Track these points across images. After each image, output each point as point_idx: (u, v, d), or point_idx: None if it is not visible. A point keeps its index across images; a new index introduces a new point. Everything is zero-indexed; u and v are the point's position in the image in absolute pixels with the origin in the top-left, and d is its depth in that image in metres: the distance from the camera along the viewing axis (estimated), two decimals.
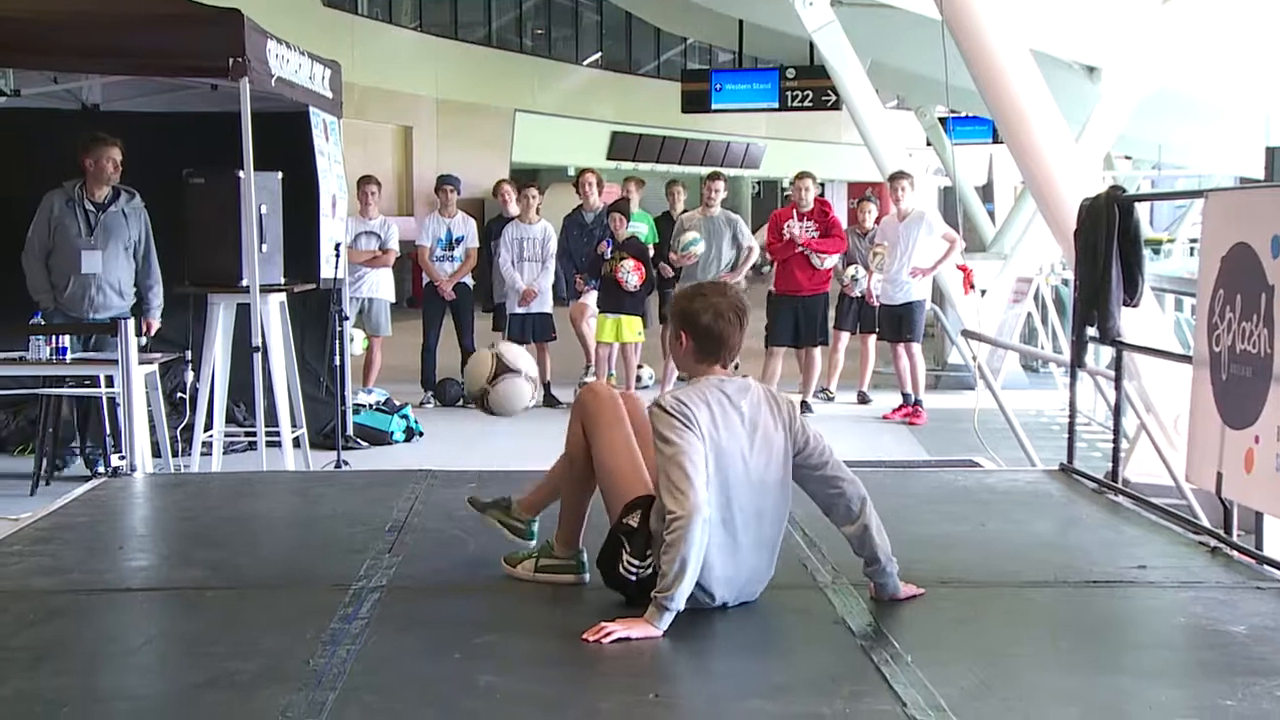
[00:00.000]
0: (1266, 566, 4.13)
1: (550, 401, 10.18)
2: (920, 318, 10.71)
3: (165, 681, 3.29)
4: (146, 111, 8.45)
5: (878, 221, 11.53)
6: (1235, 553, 4.27)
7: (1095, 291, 5.23)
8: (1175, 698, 3.15)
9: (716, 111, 17.96)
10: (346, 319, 8.67)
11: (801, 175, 10.65)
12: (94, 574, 4.19)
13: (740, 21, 16.72)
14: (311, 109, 8.01)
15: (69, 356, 7.03)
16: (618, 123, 27.03)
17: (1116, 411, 5.59)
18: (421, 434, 9.44)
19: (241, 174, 7.00)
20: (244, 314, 7.23)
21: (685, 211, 11.29)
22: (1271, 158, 19.79)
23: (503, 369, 4.40)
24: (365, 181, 10.45)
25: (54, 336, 7.01)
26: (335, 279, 8.16)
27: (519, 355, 4.54)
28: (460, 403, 10.78)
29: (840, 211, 13.52)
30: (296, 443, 7.70)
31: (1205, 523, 4.80)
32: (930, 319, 11.15)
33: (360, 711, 2.92)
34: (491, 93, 23.48)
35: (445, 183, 11.03)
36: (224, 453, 7.66)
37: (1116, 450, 5.57)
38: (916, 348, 10.67)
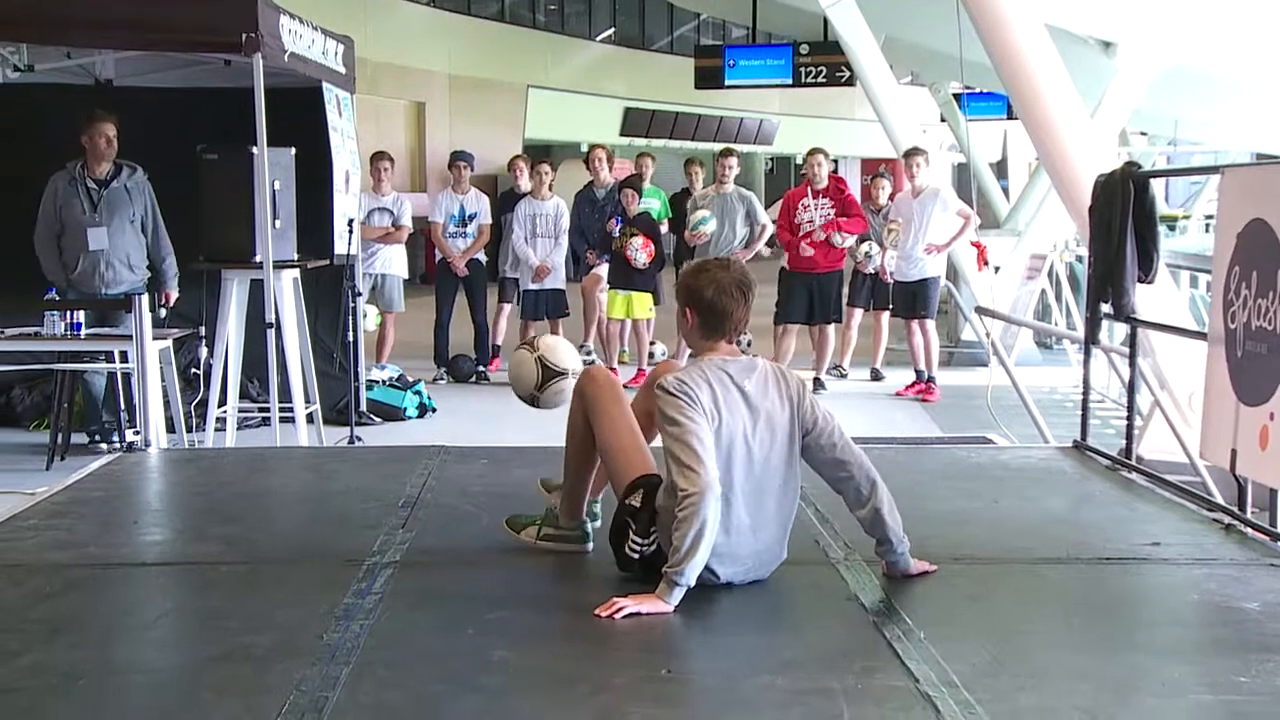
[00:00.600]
0: None
1: None
2: (934, 294, 10.68)
3: (180, 655, 3.31)
4: (160, 87, 8.46)
5: (891, 198, 11.50)
6: (1249, 530, 4.26)
7: (1110, 268, 5.21)
8: (1188, 674, 3.15)
9: (730, 87, 17.90)
10: (359, 295, 8.70)
11: (813, 152, 10.55)
12: (109, 548, 4.20)
13: None
14: (325, 84, 8.00)
15: (83, 332, 7.07)
16: (631, 99, 26.94)
17: (1130, 388, 5.58)
18: (434, 410, 9.46)
19: (255, 150, 7.00)
20: (257, 290, 7.24)
21: (703, 189, 11.27)
22: None
23: (550, 375, 4.15)
24: (378, 157, 10.45)
25: (68, 312, 7.05)
26: (348, 255, 8.17)
27: (562, 353, 4.23)
28: (473, 379, 10.80)
29: (854, 188, 13.47)
30: (310, 418, 7.72)
31: (1219, 500, 4.79)
32: (944, 295, 11.12)
33: (374, 685, 2.94)
34: (504, 68, 23.41)
35: (459, 159, 11.03)
36: (238, 428, 7.69)
37: (1130, 427, 5.56)
38: (930, 324, 10.64)
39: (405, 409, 9.22)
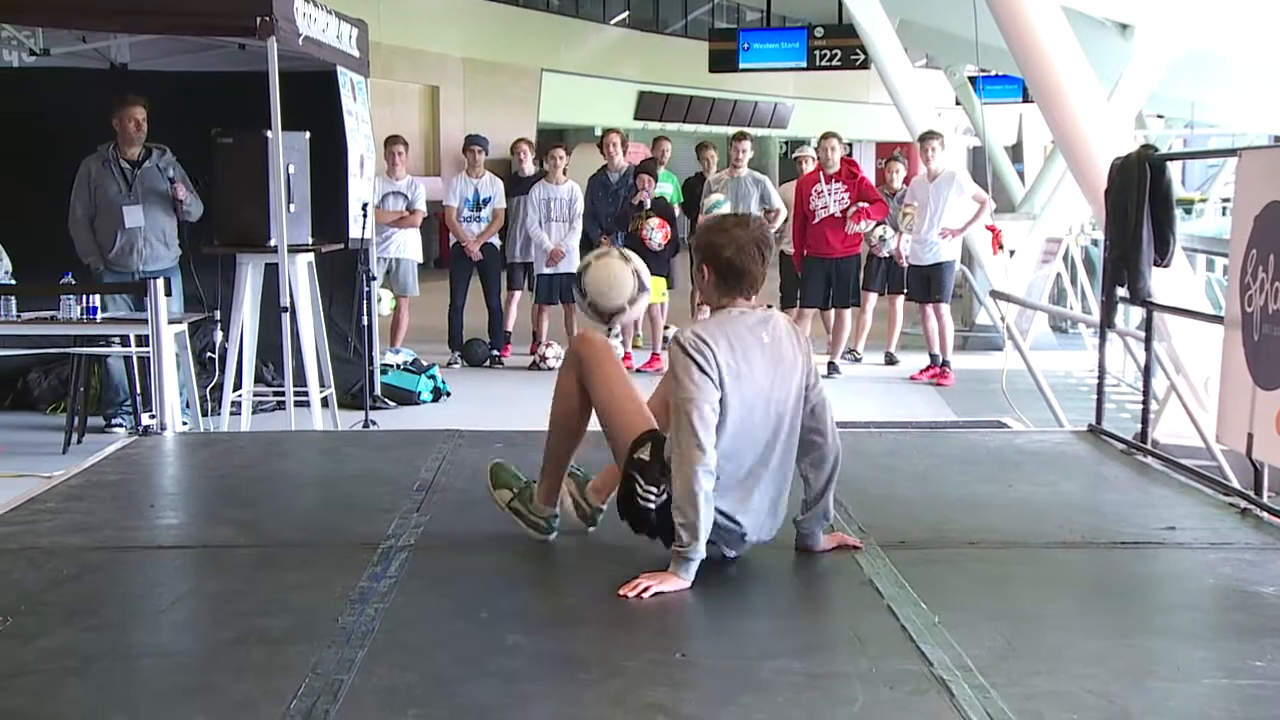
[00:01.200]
0: None
1: None
2: (949, 278, 10.65)
3: (196, 637, 3.33)
4: (174, 71, 8.47)
5: (906, 181, 11.47)
6: (1265, 514, 4.25)
7: (1126, 251, 5.19)
8: (1203, 659, 3.14)
9: (744, 71, 17.88)
10: (374, 279, 8.70)
11: (826, 135, 10.51)
12: (125, 531, 4.22)
13: None
14: (339, 68, 8.00)
15: (99, 316, 7.10)
16: (645, 82, 26.89)
17: (1146, 372, 5.56)
18: (449, 394, 9.47)
19: (269, 134, 7.00)
20: (272, 274, 7.25)
21: (717, 173, 11.25)
22: None
23: (641, 288, 3.99)
24: (392, 141, 10.44)
25: (84, 296, 7.08)
26: (363, 239, 8.17)
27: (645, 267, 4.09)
28: (487, 363, 10.81)
29: (868, 171, 13.44)
30: (324, 402, 7.74)
31: (1235, 484, 4.77)
32: (959, 279, 11.10)
33: (389, 669, 2.94)
34: (518, 52, 23.38)
35: (473, 143, 11.03)
36: (253, 412, 7.70)
37: (1146, 411, 5.54)
38: (945, 308, 10.62)
39: (420, 393, 9.23)
